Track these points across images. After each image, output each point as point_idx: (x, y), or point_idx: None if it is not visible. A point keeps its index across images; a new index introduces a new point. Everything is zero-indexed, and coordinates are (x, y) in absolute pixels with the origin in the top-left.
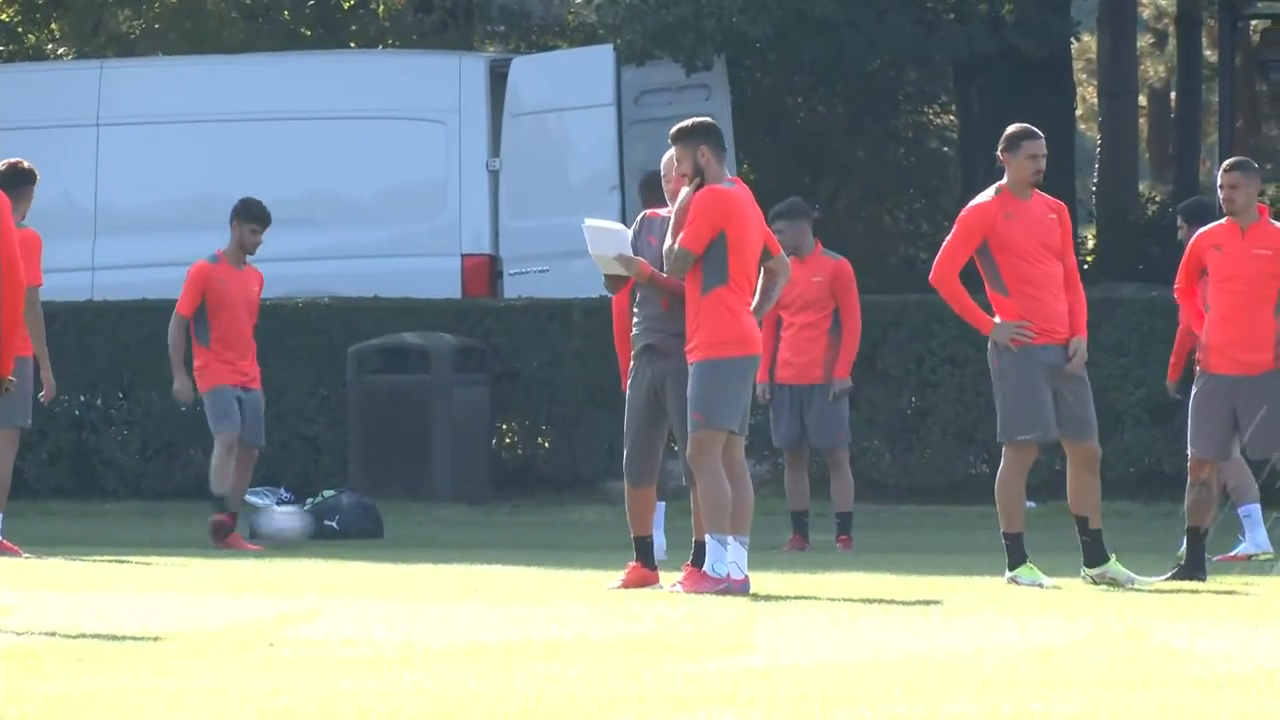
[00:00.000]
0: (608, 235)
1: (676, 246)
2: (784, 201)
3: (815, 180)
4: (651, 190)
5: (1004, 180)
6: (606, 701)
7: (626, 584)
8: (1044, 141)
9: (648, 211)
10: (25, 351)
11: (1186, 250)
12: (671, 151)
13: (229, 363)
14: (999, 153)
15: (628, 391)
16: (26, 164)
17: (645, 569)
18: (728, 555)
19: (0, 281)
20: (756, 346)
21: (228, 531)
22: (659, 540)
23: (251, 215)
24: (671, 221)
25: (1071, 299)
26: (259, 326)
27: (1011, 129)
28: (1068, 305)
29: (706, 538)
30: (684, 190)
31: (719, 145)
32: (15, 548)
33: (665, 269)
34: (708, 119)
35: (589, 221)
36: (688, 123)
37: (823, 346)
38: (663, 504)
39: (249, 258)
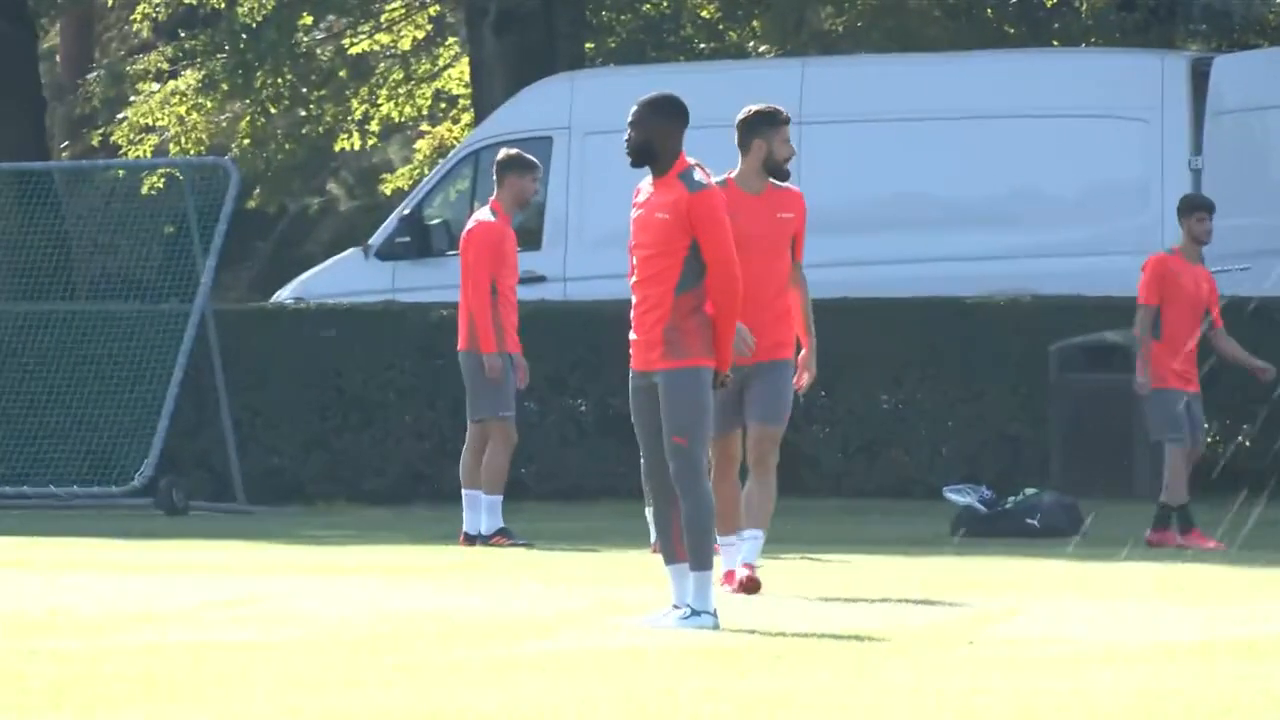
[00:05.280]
0: None
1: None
2: None
3: None
4: None
5: None
6: None
7: None
8: None
9: None
10: (516, 349)
11: None
12: None
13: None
14: None
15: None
16: (513, 152)
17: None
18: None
19: (716, 281)
20: None
21: None
22: None
23: (1194, 205)
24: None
25: None
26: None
27: None
28: None
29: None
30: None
31: None
32: (507, 540)
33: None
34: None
35: None
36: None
37: None
38: None
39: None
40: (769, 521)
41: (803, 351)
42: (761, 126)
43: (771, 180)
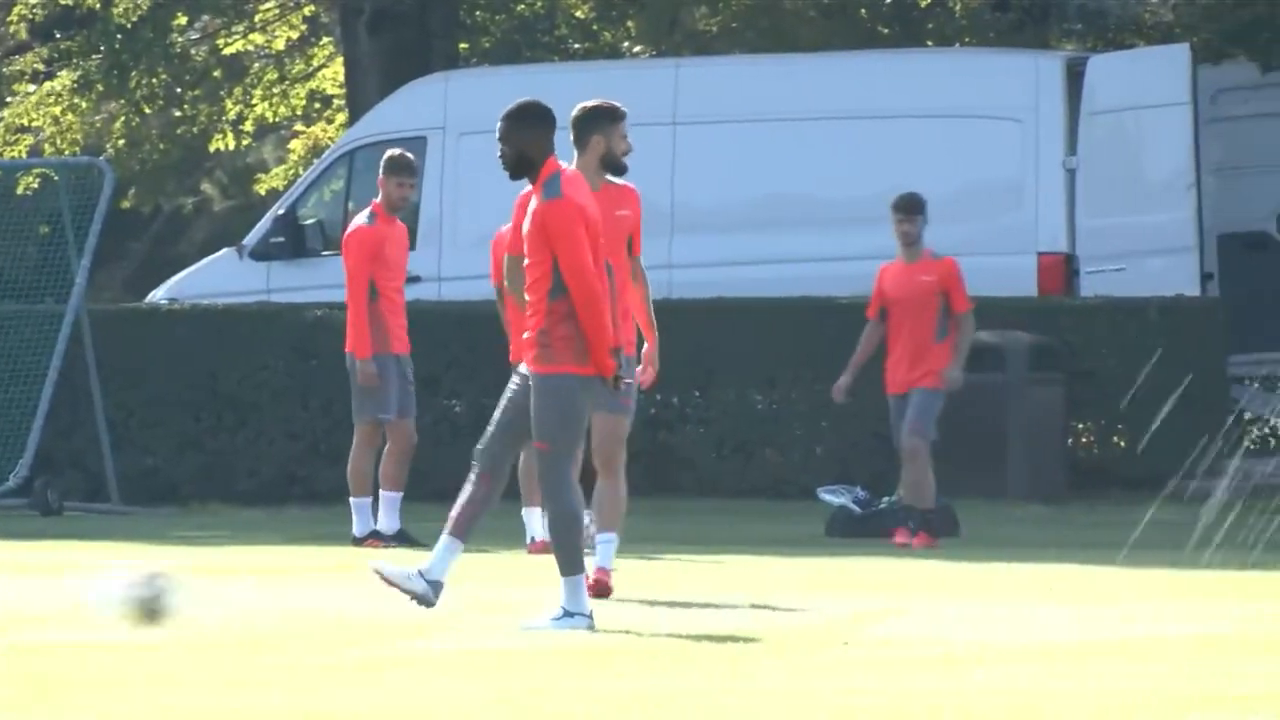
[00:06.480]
0: None
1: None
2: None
3: None
4: None
5: None
6: (1180, 701)
7: None
8: None
9: None
10: (403, 349)
11: None
12: None
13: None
14: None
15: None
16: (394, 154)
17: None
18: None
19: (571, 289)
20: None
21: None
22: None
23: (894, 206)
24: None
25: None
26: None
27: None
28: None
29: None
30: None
31: None
32: (380, 543)
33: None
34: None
35: None
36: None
37: None
38: None
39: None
40: (622, 523)
41: (645, 346)
42: (600, 122)
43: (608, 177)
